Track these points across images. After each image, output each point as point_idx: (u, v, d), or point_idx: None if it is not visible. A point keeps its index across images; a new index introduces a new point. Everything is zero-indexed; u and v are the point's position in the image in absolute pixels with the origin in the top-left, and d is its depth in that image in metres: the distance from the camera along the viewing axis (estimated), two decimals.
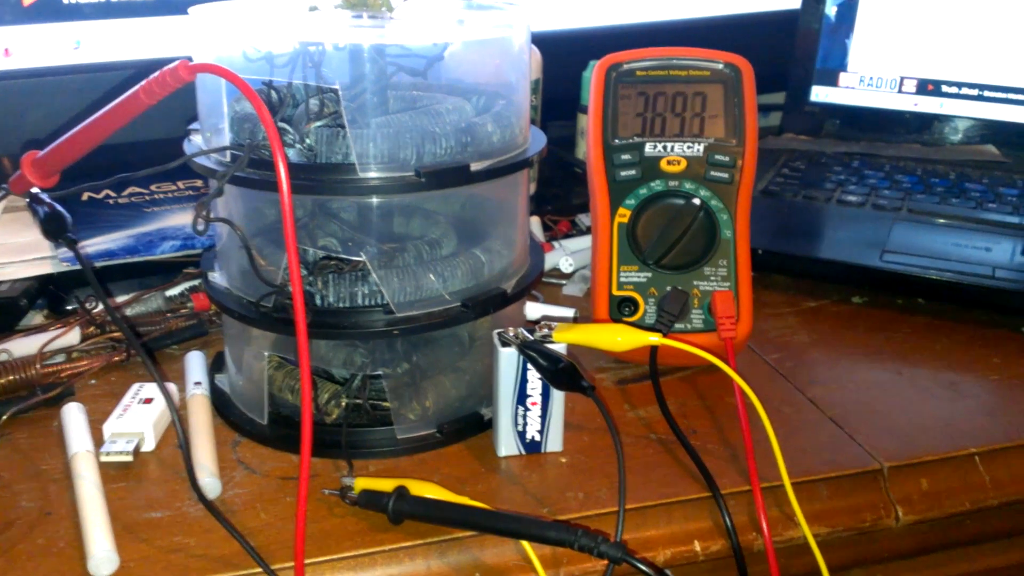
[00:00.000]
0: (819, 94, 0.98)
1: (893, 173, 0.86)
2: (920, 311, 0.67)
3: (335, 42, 0.48)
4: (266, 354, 0.50)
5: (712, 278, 0.57)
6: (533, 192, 0.83)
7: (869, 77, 0.96)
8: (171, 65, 0.38)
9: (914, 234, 0.72)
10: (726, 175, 0.59)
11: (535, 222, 0.79)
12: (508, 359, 0.47)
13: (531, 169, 0.55)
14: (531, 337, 0.48)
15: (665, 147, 0.59)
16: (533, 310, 0.65)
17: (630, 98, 0.61)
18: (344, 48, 0.48)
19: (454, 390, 0.52)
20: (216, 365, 0.57)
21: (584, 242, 0.75)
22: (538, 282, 0.54)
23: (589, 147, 0.61)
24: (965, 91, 0.92)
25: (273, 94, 0.50)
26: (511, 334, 0.48)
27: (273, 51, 0.50)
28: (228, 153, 0.47)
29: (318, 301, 0.48)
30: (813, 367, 0.59)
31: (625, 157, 0.59)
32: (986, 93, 0.92)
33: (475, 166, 0.47)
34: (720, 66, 0.61)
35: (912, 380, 0.58)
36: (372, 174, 0.45)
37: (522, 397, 0.48)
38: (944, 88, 0.93)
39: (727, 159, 0.59)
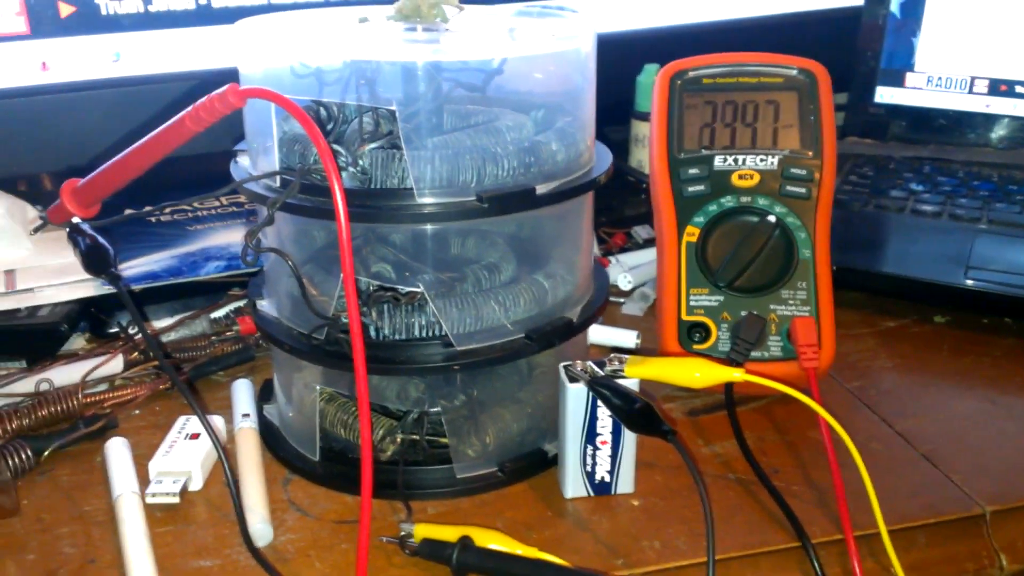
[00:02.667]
0: (884, 95, 0.93)
1: (968, 180, 0.81)
2: (1008, 331, 0.62)
3: (389, 59, 0.45)
4: (318, 388, 0.47)
5: (790, 302, 0.53)
6: None
7: (938, 77, 0.91)
8: (220, 91, 0.35)
9: (998, 248, 0.67)
10: (803, 190, 0.55)
11: None
12: (576, 396, 0.44)
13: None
14: (601, 372, 0.44)
15: (736, 160, 0.56)
16: (593, 333, 0.61)
17: (697, 108, 0.57)
18: (398, 65, 0.45)
19: (515, 424, 0.49)
20: (264, 394, 0.54)
21: (642, 257, 0.72)
22: (604, 309, 0.50)
23: (653, 160, 0.57)
24: None
25: (323, 112, 0.47)
26: (579, 368, 0.45)
27: (323, 66, 0.47)
28: (278, 178, 0.44)
29: (372, 333, 0.45)
30: (899, 396, 0.55)
31: (693, 171, 0.56)
32: None
33: (541, 189, 0.44)
34: (794, 72, 0.57)
35: (1007, 410, 0.53)
36: (430, 199, 0.42)
37: (591, 436, 0.45)
38: (1018, 88, 0.88)
39: (804, 172, 0.55)
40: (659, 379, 0.44)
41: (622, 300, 0.67)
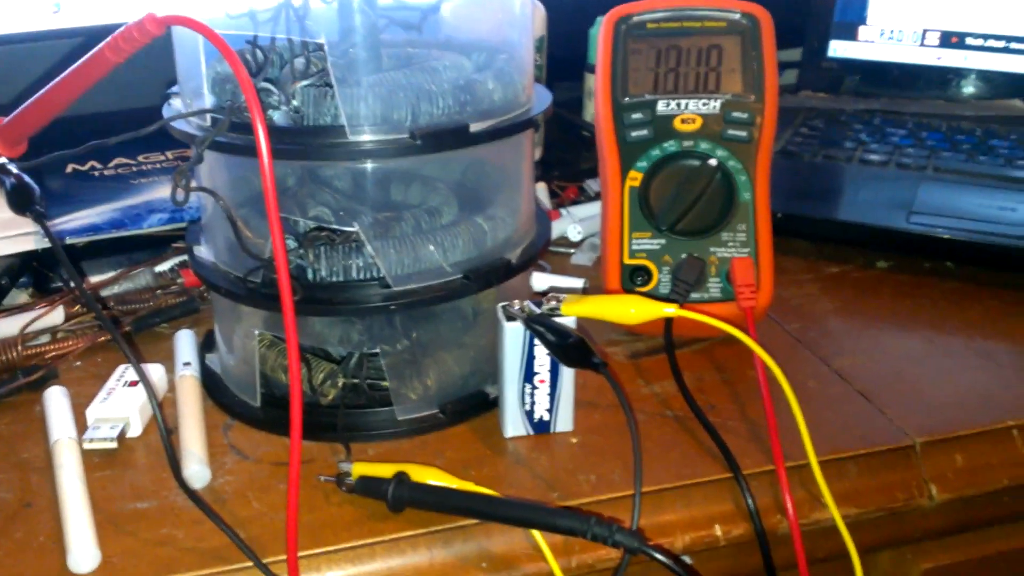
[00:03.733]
0: (837, 49, 0.94)
1: (917, 131, 0.82)
2: (950, 275, 0.63)
3: None
4: (257, 332, 0.47)
5: (730, 244, 0.54)
6: (539, 157, 0.80)
7: (890, 30, 0.91)
8: (137, 19, 0.35)
9: (941, 194, 0.68)
10: (744, 133, 0.55)
11: (541, 189, 0.75)
12: (513, 334, 0.44)
13: (536, 132, 0.51)
14: (538, 310, 0.44)
15: (679, 104, 0.56)
16: (540, 281, 0.62)
17: (641, 53, 0.57)
18: (331, 1, 0.44)
19: (457, 367, 0.49)
20: (207, 344, 0.54)
21: (593, 209, 0.72)
22: (544, 251, 0.51)
23: (598, 106, 0.57)
24: (991, 43, 0.88)
25: (257, 52, 0.46)
26: (516, 307, 0.45)
27: (256, 7, 0.46)
28: (209, 117, 0.44)
29: (310, 275, 0.45)
30: (838, 337, 0.56)
31: (636, 116, 0.56)
32: (1013, 45, 0.87)
33: (475, 126, 0.43)
34: (737, 16, 0.57)
35: (944, 349, 0.54)
36: (364, 137, 0.42)
37: (529, 375, 0.45)
38: (969, 40, 0.89)
39: (745, 116, 0.55)
40: (595, 316, 0.45)
41: (572, 251, 0.67)
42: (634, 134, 0.56)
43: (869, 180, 0.71)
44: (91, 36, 0.69)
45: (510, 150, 0.49)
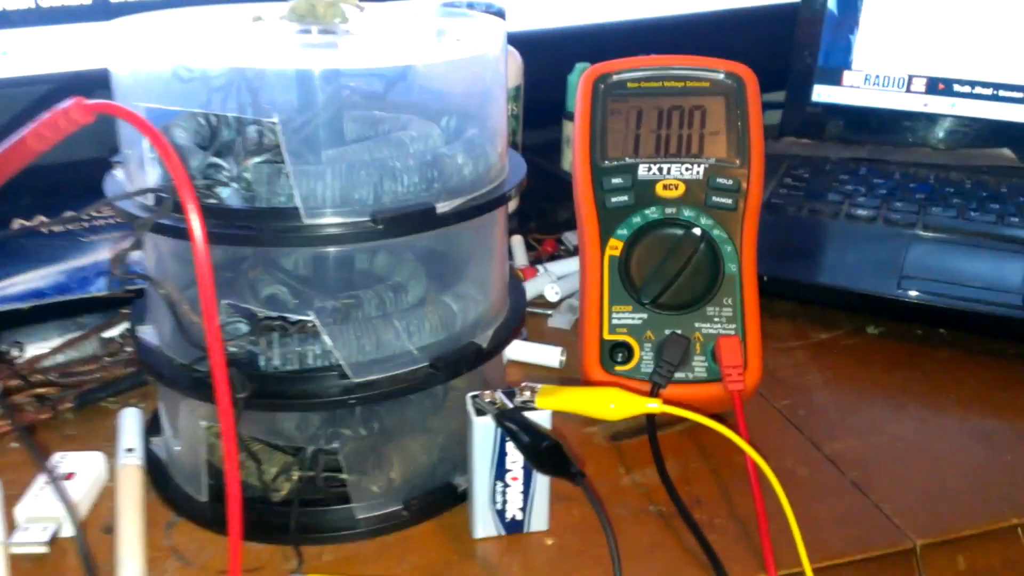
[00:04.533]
0: (821, 94, 0.91)
1: (904, 182, 0.79)
2: (942, 343, 0.60)
3: (273, 65, 0.41)
4: (203, 424, 0.44)
5: (716, 319, 0.51)
6: (514, 208, 0.77)
7: (875, 75, 0.89)
8: (63, 105, 0.31)
9: (933, 255, 0.66)
10: (729, 201, 0.52)
11: (517, 242, 0.72)
12: (484, 430, 0.41)
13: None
14: (510, 404, 0.41)
15: (661, 169, 0.53)
16: (514, 349, 0.58)
17: (621, 113, 0.54)
18: (284, 72, 0.41)
19: (424, 455, 0.45)
20: (154, 426, 0.50)
21: (572, 265, 0.69)
22: (518, 333, 0.47)
23: (576, 169, 0.54)
24: (979, 90, 0.86)
25: (208, 121, 0.43)
26: (487, 400, 0.41)
27: (209, 70, 0.43)
28: (151, 196, 0.40)
29: (262, 364, 0.41)
30: (828, 416, 0.53)
31: (616, 181, 0.53)
32: (1001, 93, 0.85)
33: (442, 207, 0.40)
34: (721, 76, 0.54)
35: (940, 431, 0.51)
36: (321, 220, 0.38)
37: (501, 471, 0.42)
38: (956, 87, 0.87)
39: (730, 183, 0.52)
40: (572, 411, 0.41)
41: (549, 312, 0.64)
42: (614, 200, 0.53)
43: (857, 238, 0.69)
44: (41, 83, 0.66)
45: (483, 223, 0.46)
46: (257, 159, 0.40)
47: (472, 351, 0.44)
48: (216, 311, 0.31)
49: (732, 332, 0.50)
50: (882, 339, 0.61)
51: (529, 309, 0.65)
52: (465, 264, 0.47)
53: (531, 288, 0.66)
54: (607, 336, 0.51)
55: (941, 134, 0.88)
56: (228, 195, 0.40)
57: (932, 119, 0.88)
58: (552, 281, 0.67)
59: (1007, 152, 0.84)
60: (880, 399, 0.54)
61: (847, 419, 0.52)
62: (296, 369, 0.41)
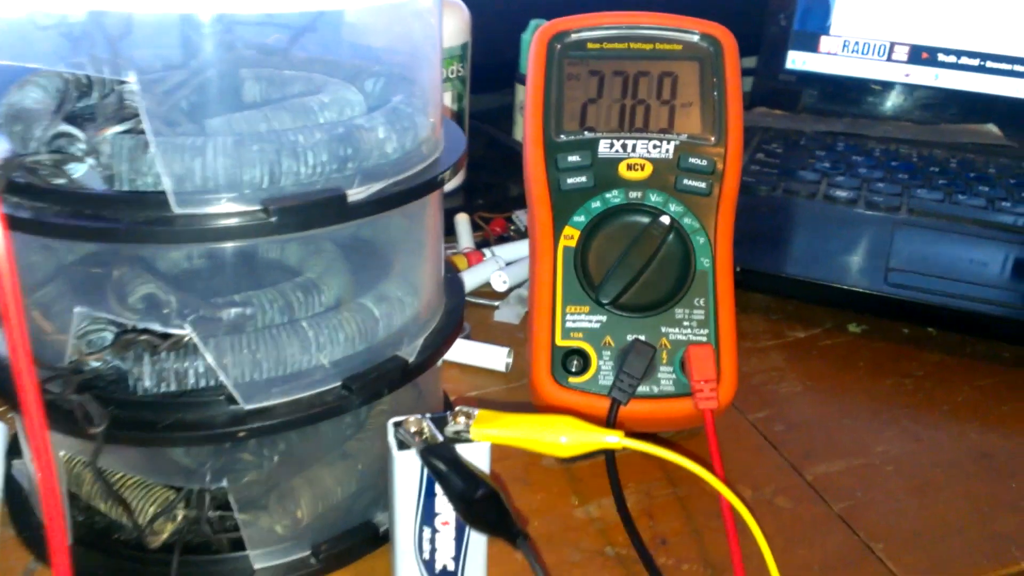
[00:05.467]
0: (796, 60, 0.85)
1: (885, 160, 0.73)
2: (931, 343, 0.54)
3: (151, 9, 0.32)
4: (62, 453, 0.36)
5: (685, 324, 0.43)
6: (460, 182, 0.69)
7: (854, 42, 0.82)
8: None
9: (920, 244, 0.59)
10: (703, 184, 0.45)
11: (461, 222, 0.64)
12: (407, 467, 0.33)
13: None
14: (440, 435, 0.34)
15: (625, 146, 0.45)
16: (453, 349, 0.51)
17: (580, 79, 0.46)
18: (167, 17, 0.33)
19: (339, 488, 0.38)
20: (16, 447, 0.42)
21: (523, 248, 0.61)
22: (452, 342, 0.40)
23: (526, 144, 0.46)
24: (964, 60, 0.80)
25: (62, 80, 0.34)
26: (412, 430, 0.34)
27: (70, 15, 0.34)
28: None
29: (131, 386, 0.33)
30: (810, 432, 0.46)
31: (573, 159, 0.45)
32: (988, 64, 0.79)
33: (355, 193, 0.32)
34: (695, 38, 0.47)
35: (934, 451, 0.45)
36: (198, 210, 0.30)
37: (429, 515, 0.34)
38: (940, 57, 0.81)
39: (704, 163, 0.45)
40: (515, 445, 0.34)
41: (496, 303, 0.57)
42: (570, 181, 0.45)
43: (837, 224, 0.62)
44: None
45: (412, 212, 0.38)
46: (118, 128, 0.31)
47: (396, 367, 0.36)
48: (23, 322, 0.23)
49: (704, 339, 0.43)
50: (865, 339, 0.55)
51: (473, 300, 0.57)
52: (391, 259, 0.39)
53: (476, 275, 0.58)
54: (560, 342, 0.43)
55: (924, 107, 0.82)
56: (82, 173, 0.31)
57: (914, 90, 0.82)
58: (500, 267, 0.59)
59: (993, 128, 0.79)
60: (866, 411, 0.48)
61: (831, 436, 0.46)
62: (174, 392, 0.33)
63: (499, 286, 0.58)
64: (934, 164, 0.72)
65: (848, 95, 0.83)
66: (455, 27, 0.62)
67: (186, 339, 0.33)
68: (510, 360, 0.50)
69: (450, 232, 0.64)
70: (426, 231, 0.40)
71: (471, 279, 0.58)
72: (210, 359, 0.32)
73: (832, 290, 0.54)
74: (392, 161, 0.34)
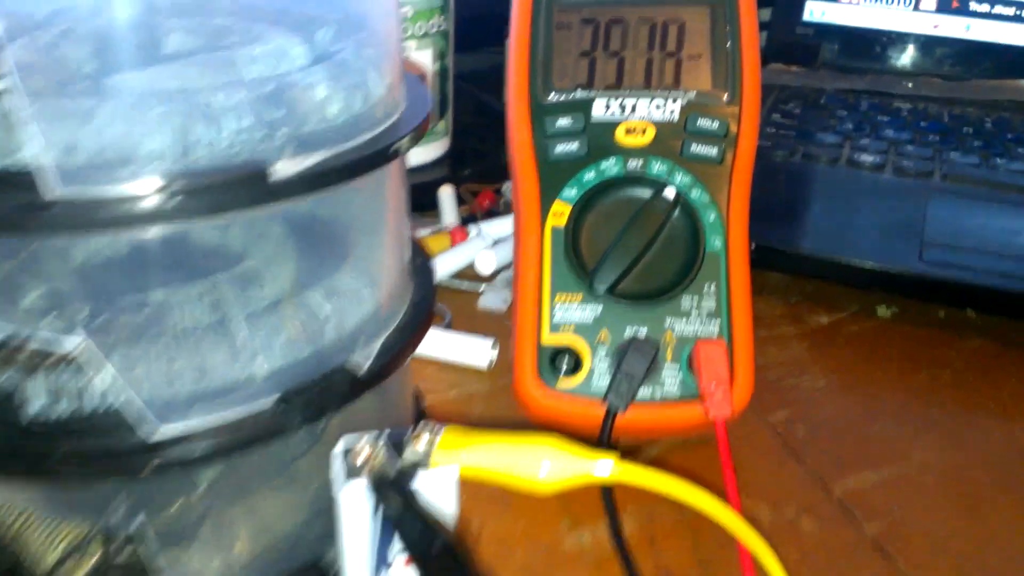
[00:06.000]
0: (814, 11, 0.77)
1: (914, 120, 0.66)
2: (971, 328, 0.48)
3: None
4: None
5: (694, 315, 0.37)
6: (446, 149, 0.62)
7: None
8: None
9: (955, 214, 0.53)
10: (714, 151, 0.39)
11: (446, 195, 0.58)
12: (355, 500, 0.28)
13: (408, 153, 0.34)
14: (396, 463, 0.28)
15: (623, 106, 0.39)
16: (430, 341, 0.45)
17: (571, 29, 0.40)
18: None
19: (284, 520, 0.32)
20: None
21: (512, 225, 0.55)
22: (417, 342, 0.34)
23: (509, 105, 0.40)
24: (999, 9, 0.73)
25: None
26: (364, 454, 0.28)
27: None
28: None
29: (18, 408, 0.27)
30: (837, 436, 0.40)
31: (563, 122, 0.39)
32: None
33: (282, 168, 0.26)
34: None
35: (980, 458, 0.39)
36: (81, 191, 0.24)
37: (384, 557, 0.29)
38: (972, 6, 0.73)
39: (716, 125, 0.39)
40: (485, 478, 0.28)
41: (481, 287, 0.51)
42: (560, 149, 0.39)
43: (863, 192, 0.56)
44: None
45: (367, 187, 0.32)
46: None
47: (346, 377, 0.30)
48: None
49: (715, 332, 0.37)
50: (896, 324, 0.49)
51: (455, 284, 0.51)
52: (347, 243, 0.33)
53: (459, 256, 0.52)
54: (547, 338, 0.37)
55: (953, 61, 0.75)
56: None
57: (943, 44, 0.75)
58: (487, 246, 0.53)
59: None
60: (900, 410, 0.42)
61: (860, 442, 0.40)
62: (72, 415, 0.27)
63: (485, 268, 0.52)
64: (967, 124, 0.65)
65: (871, 49, 0.76)
66: None
67: (86, 349, 0.27)
68: (495, 354, 0.44)
69: (433, 206, 0.58)
70: (386, 209, 0.33)
71: (454, 260, 0.52)
72: (114, 373, 0.26)
73: (859, 270, 0.48)
74: (336, 126, 0.28)
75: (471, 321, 0.48)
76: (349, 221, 0.33)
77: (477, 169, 0.62)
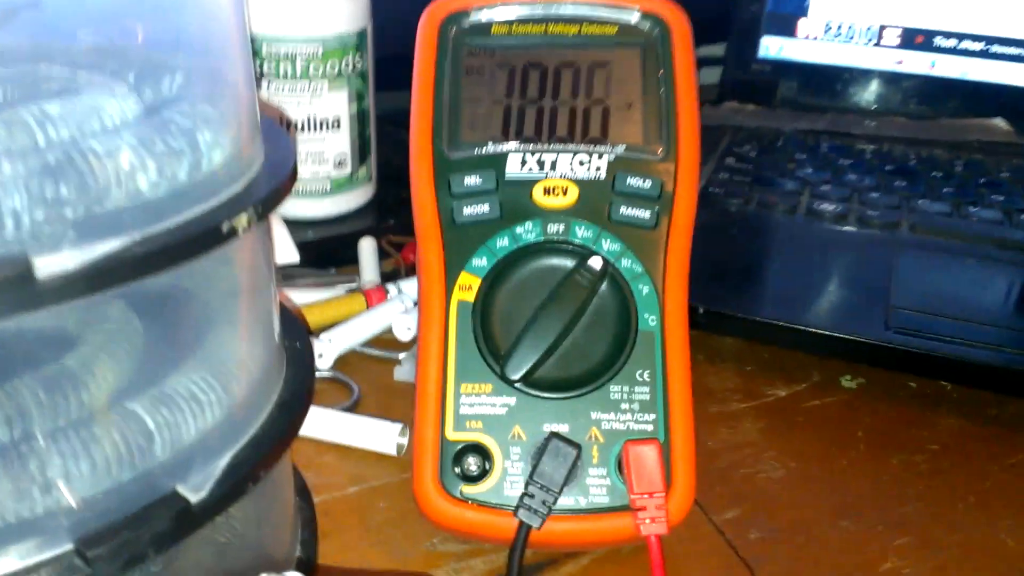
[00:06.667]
0: (771, 47, 0.73)
1: (878, 163, 0.62)
2: (948, 403, 0.43)
3: None
4: None
5: (624, 407, 0.32)
6: (369, 198, 0.57)
7: (838, 24, 0.71)
8: None
9: (926, 274, 0.48)
10: (647, 213, 0.33)
11: (367, 249, 0.52)
12: None
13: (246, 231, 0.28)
14: None
15: (542, 163, 0.34)
16: (332, 424, 0.39)
17: (481, 74, 0.35)
18: None
19: None
20: None
21: None
22: (280, 452, 0.28)
23: (412, 161, 0.35)
24: (966, 45, 0.69)
25: None
26: None
27: None
28: None
29: None
30: (798, 545, 0.35)
31: (472, 181, 0.33)
32: (993, 48, 0.68)
33: (54, 263, 0.20)
34: (634, 19, 0.35)
35: (962, 567, 0.34)
36: None
37: None
38: (938, 40, 0.69)
39: (648, 184, 0.33)
40: None
41: (400, 355, 0.45)
42: (468, 211, 0.33)
43: (825, 246, 0.51)
44: None
45: (211, 267, 0.26)
46: None
47: (171, 512, 0.24)
48: None
49: (649, 428, 0.31)
50: (862, 398, 0.43)
51: (369, 351, 0.45)
52: (193, 330, 0.27)
53: (375, 319, 0.46)
54: (451, 435, 0.32)
55: (920, 100, 0.70)
56: None
57: (908, 80, 0.70)
58: (407, 309, 0.47)
59: (1001, 123, 0.67)
60: (869, 507, 0.37)
61: (824, 547, 0.34)
62: None
63: (403, 334, 0.46)
64: (936, 167, 0.61)
65: (832, 87, 0.72)
66: (348, 9, 0.50)
67: None
68: (404, 440, 0.38)
69: (353, 261, 0.52)
70: (240, 291, 0.28)
71: (368, 324, 0.46)
72: None
73: (819, 336, 0.43)
74: (149, 202, 0.22)
75: (385, 396, 0.42)
76: (197, 305, 0.27)
77: (403, 219, 0.56)
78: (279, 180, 0.26)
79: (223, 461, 0.26)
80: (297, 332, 0.32)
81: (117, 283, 0.21)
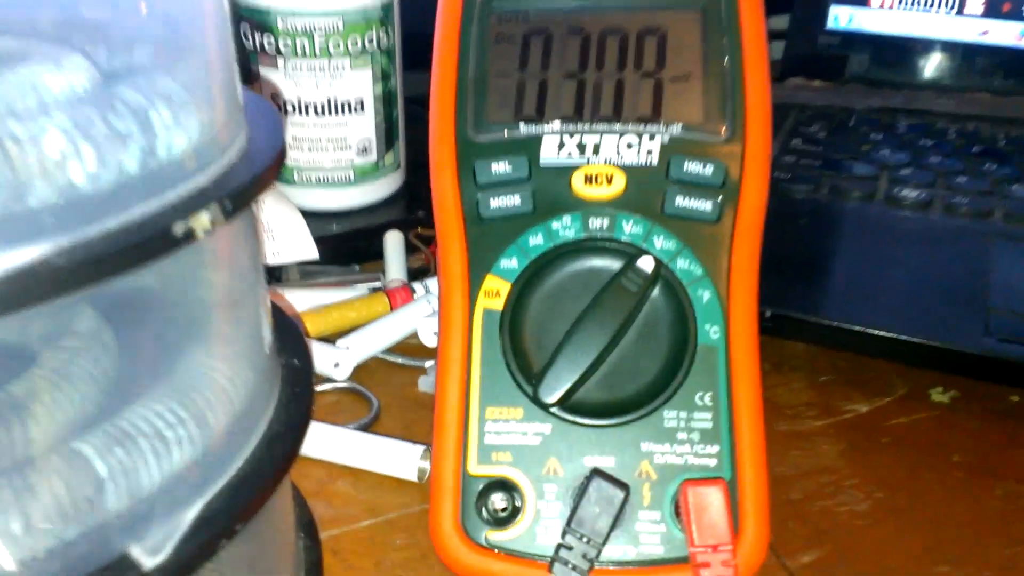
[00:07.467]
0: (840, 17, 0.67)
1: (963, 144, 0.55)
2: None
3: None
4: None
5: (681, 436, 0.27)
6: (397, 187, 0.52)
7: None
8: None
9: None
10: (708, 205, 0.28)
11: (394, 241, 0.48)
12: None
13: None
14: None
15: (583, 146, 0.28)
16: (344, 444, 0.34)
17: (514, 43, 0.30)
18: None
19: None
20: None
21: None
22: (260, 503, 0.23)
23: (432, 146, 0.30)
24: None
25: None
26: None
27: None
28: None
29: None
30: None
31: (500, 168, 0.29)
32: None
33: None
34: None
35: None
36: None
37: None
38: None
39: (710, 170, 0.28)
40: None
41: (425, 363, 0.40)
42: (496, 204, 0.28)
43: (908, 239, 0.45)
44: None
45: (178, 271, 0.22)
46: None
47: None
48: None
49: (712, 464, 0.26)
50: (957, 414, 0.38)
51: (393, 358, 0.41)
52: (149, 351, 0.23)
53: (399, 322, 0.42)
54: (475, 469, 0.27)
55: (1006, 74, 0.63)
56: None
57: (993, 52, 0.63)
58: (433, 312, 0.42)
59: None
60: (969, 549, 0.31)
61: None
62: None
63: (430, 339, 0.42)
64: None
65: (907, 60, 0.65)
66: None
67: None
68: (426, 465, 0.34)
69: (379, 256, 0.48)
70: (215, 302, 0.23)
71: (391, 329, 0.42)
72: None
73: (906, 344, 0.37)
74: (84, 198, 0.18)
75: (408, 410, 0.38)
76: (161, 320, 0.23)
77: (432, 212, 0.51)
78: (256, 170, 0.21)
79: (190, 513, 0.21)
80: (295, 346, 0.27)
81: (34, 301, 0.16)
